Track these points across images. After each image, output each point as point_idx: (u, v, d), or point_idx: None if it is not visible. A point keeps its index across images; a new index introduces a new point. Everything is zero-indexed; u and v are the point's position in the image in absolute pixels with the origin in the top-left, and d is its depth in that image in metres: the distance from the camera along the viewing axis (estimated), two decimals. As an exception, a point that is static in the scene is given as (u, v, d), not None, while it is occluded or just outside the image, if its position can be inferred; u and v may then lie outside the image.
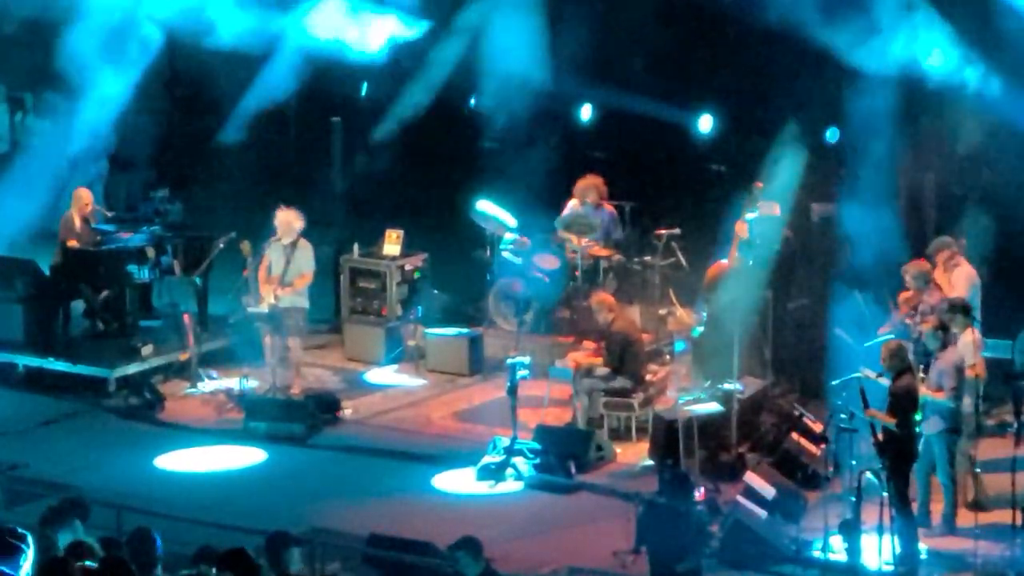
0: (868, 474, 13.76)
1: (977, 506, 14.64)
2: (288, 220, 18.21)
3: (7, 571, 8.13)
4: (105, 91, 21.20)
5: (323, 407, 17.69)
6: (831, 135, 20.00)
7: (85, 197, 19.53)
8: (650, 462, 16.09)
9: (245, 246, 18.41)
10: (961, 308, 15.21)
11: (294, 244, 18.20)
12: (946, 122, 19.44)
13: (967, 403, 14.65)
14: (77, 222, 19.36)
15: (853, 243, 17.83)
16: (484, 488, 15.86)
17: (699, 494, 14.57)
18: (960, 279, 16.24)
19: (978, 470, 14.96)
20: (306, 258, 18.27)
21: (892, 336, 15.25)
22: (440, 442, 17.07)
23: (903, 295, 16.12)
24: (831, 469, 15.20)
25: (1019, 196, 19.38)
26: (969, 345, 14.88)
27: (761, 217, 17.56)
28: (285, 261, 18.13)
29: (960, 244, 16.57)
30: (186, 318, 18.71)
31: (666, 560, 13.10)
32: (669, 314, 18.77)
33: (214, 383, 18.48)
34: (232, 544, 11.54)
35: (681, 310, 18.54)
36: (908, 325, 15.78)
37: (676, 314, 18.59)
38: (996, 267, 18.12)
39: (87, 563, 9.12)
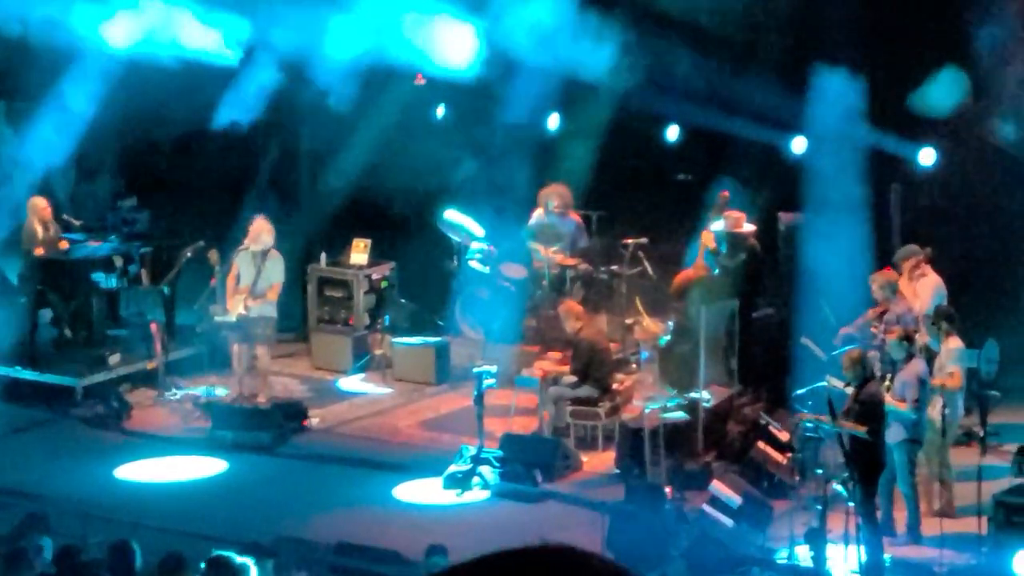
0: (834, 483, 13.83)
1: (943, 515, 14.71)
2: (260, 229, 18.18)
3: None
4: (72, 100, 21.18)
5: (290, 416, 17.68)
6: (797, 144, 20.07)
7: (40, 204, 19.50)
8: (617, 471, 16.12)
9: (213, 255, 18.39)
10: (946, 316, 15.30)
11: (264, 254, 18.18)
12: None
13: (934, 411, 14.71)
14: (39, 230, 19.32)
15: (819, 252, 17.89)
16: (451, 497, 15.87)
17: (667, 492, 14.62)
18: (926, 288, 16.33)
19: (943, 479, 15.01)
20: (276, 268, 18.25)
21: (857, 344, 15.34)
22: (407, 451, 17.07)
23: (874, 311, 16.20)
24: (797, 478, 15.25)
25: (985, 206, 19.50)
26: (952, 352, 14.97)
27: (727, 227, 17.64)
28: (255, 272, 18.11)
29: (926, 253, 16.65)
30: (153, 327, 18.67)
31: (635, 569, 13.13)
32: (636, 323, 18.80)
33: (181, 392, 18.45)
34: (199, 553, 11.55)
35: (648, 319, 18.57)
36: (873, 334, 15.86)
37: (643, 323, 18.62)
38: (963, 276, 18.22)
39: None
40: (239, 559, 7.54)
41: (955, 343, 15.12)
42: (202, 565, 7.55)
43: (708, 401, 16.33)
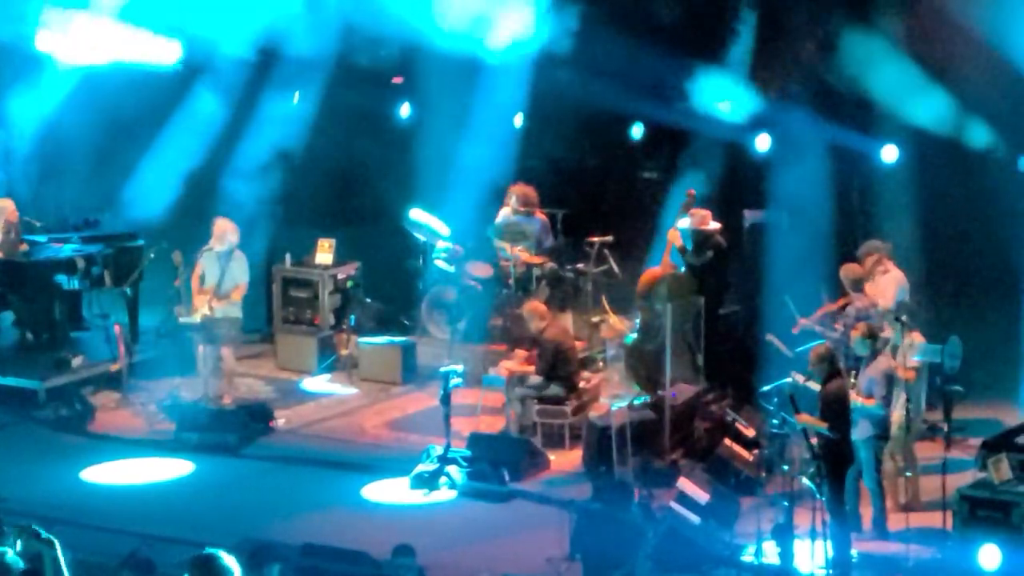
0: (802, 479, 13.84)
1: (908, 509, 14.74)
2: (224, 229, 18.11)
3: None
4: (36, 100, 21.18)
5: (256, 417, 17.62)
6: (762, 142, 20.13)
7: (8, 207, 19.38)
8: (584, 469, 16.11)
9: (176, 256, 18.31)
10: (907, 312, 15.33)
11: (229, 255, 18.10)
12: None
13: (900, 406, 14.75)
14: (-1, 234, 19.24)
15: (784, 249, 17.95)
16: (418, 497, 15.83)
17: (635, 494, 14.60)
18: (889, 284, 16.36)
19: (908, 473, 15.04)
20: (241, 269, 18.17)
21: (821, 341, 15.37)
22: (373, 451, 17.04)
23: (834, 303, 16.24)
24: (764, 474, 15.26)
25: (945, 203, 19.56)
26: (914, 347, 15.00)
27: (693, 225, 17.66)
28: (220, 272, 18.02)
29: (886, 247, 16.69)
30: (117, 329, 18.59)
31: (600, 568, 13.11)
32: (602, 321, 18.81)
33: (145, 394, 18.36)
34: (164, 555, 11.49)
35: (614, 317, 18.59)
36: (833, 327, 15.90)
37: (609, 321, 18.63)
38: (926, 272, 18.28)
39: None
40: (226, 560, 7.36)
41: (916, 338, 15.15)
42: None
43: (675, 398, 16.33)
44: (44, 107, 21.72)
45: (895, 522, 14.54)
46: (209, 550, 7.19)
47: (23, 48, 21.34)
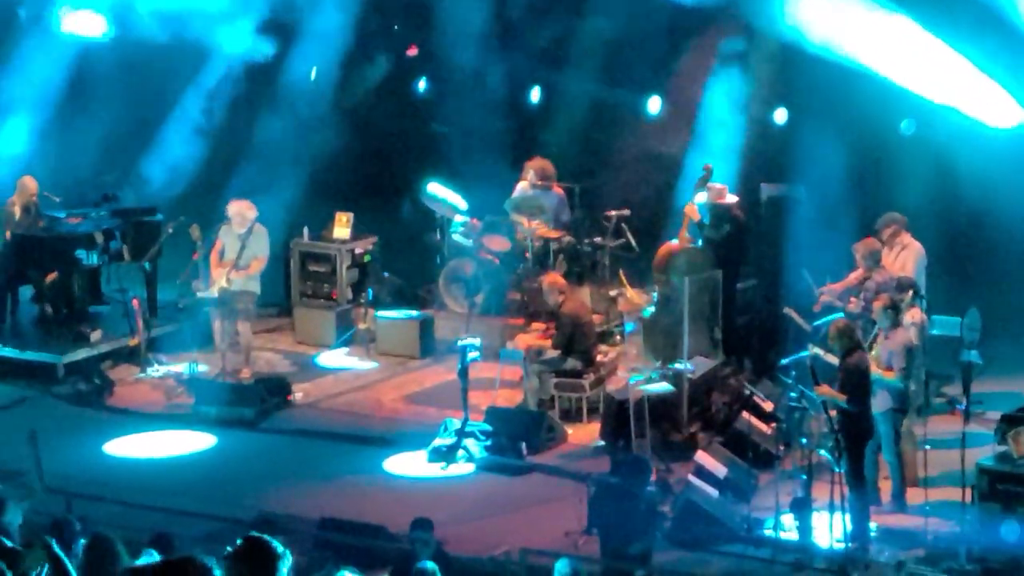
0: (821, 452, 13.82)
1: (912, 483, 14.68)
2: (241, 211, 18.11)
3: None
4: (55, 74, 21.22)
5: (273, 391, 17.63)
6: (779, 115, 20.09)
7: (31, 187, 19.36)
8: (602, 443, 16.11)
9: (194, 230, 18.32)
10: (909, 287, 15.29)
11: (249, 230, 18.11)
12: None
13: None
14: (18, 212, 19.20)
15: (802, 222, 17.90)
16: (435, 470, 15.85)
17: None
18: (908, 257, 16.32)
19: (928, 447, 14.98)
20: (261, 243, 18.19)
21: (840, 314, 15.34)
22: (391, 425, 17.05)
23: (856, 275, 16.20)
24: (782, 448, 15.23)
25: (965, 175, 19.51)
26: (912, 325, 14.95)
27: (710, 199, 17.63)
28: (240, 246, 18.03)
29: (904, 220, 16.62)
30: (135, 303, 18.61)
31: (617, 542, 13.11)
32: (619, 295, 18.77)
33: (163, 368, 18.39)
34: (183, 528, 11.50)
35: (631, 291, 18.55)
36: (850, 301, 15.86)
37: (626, 295, 18.60)
38: (944, 244, 18.23)
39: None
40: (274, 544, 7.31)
41: (916, 315, 15.08)
42: (238, 541, 7.33)
43: (692, 372, 16.31)
44: (63, 81, 21.72)
45: (914, 496, 14.50)
46: (256, 534, 7.17)
47: (42, 20, 21.35)
